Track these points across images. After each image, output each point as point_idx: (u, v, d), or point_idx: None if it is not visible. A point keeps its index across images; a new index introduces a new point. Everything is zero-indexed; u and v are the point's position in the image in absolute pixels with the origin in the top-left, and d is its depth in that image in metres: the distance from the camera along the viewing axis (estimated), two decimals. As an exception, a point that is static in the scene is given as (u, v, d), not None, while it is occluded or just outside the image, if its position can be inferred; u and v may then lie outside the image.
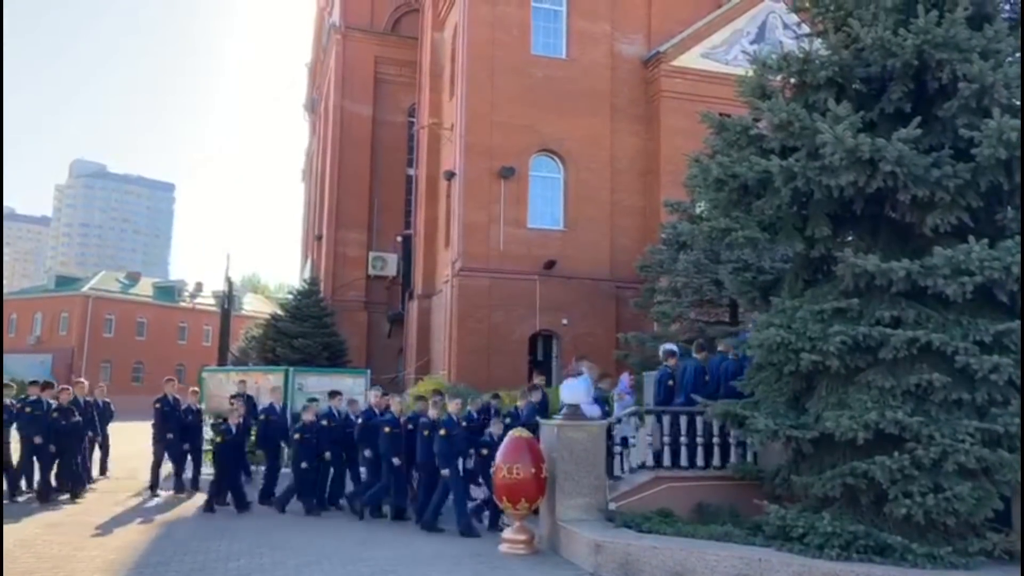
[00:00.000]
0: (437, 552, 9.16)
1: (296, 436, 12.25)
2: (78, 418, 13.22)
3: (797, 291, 9.11)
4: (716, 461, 9.96)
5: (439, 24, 25.62)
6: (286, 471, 13.25)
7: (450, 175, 22.14)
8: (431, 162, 25.10)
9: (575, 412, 9.43)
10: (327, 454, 12.32)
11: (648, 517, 8.78)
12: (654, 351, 14.18)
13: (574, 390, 9.65)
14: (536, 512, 9.38)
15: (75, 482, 12.89)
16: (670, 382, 10.83)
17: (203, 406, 15.92)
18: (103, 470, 15.51)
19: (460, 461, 10.82)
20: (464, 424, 11.05)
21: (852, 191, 8.04)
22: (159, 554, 8.86)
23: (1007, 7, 8.82)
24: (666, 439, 9.97)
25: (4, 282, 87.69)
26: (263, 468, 13.58)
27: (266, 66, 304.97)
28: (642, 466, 10.06)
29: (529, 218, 21.37)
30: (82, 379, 17.22)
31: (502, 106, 21.26)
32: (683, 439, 9.97)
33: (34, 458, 12.59)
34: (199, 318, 62.97)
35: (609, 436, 9.87)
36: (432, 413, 11.16)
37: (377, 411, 12.13)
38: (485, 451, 10.76)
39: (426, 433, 10.90)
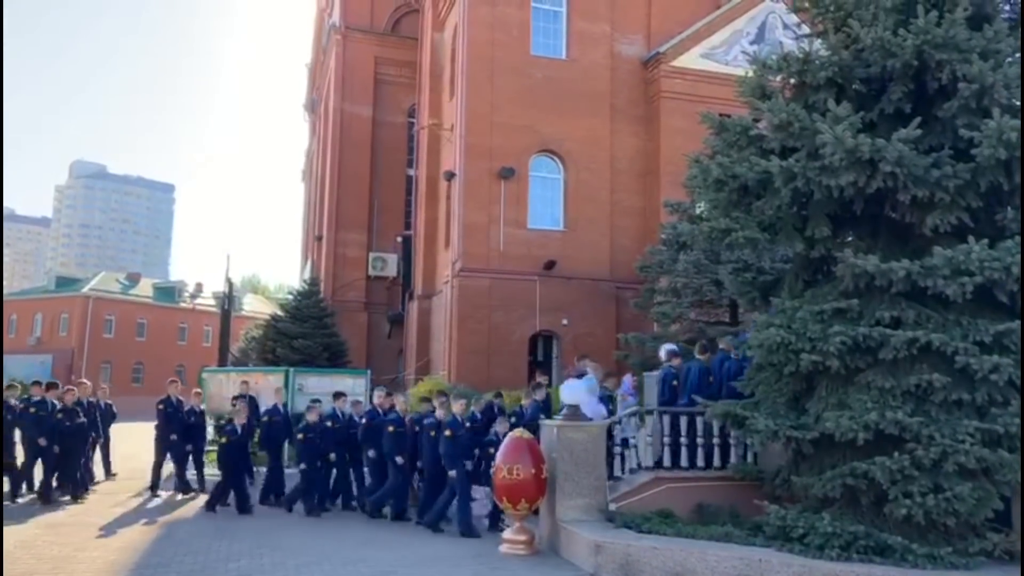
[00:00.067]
0: (437, 553, 9.16)
1: (299, 436, 12.24)
2: (83, 419, 13.21)
3: (797, 291, 9.12)
4: (716, 462, 9.97)
5: (439, 25, 25.63)
6: (290, 471, 13.24)
7: (450, 176, 22.15)
8: (431, 163, 25.10)
9: (575, 412, 9.43)
10: (332, 455, 12.33)
11: (648, 518, 8.78)
12: (654, 351, 14.17)
13: (574, 390, 9.64)
14: (536, 513, 9.38)
15: (76, 483, 12.87)
16: (674, 382, 10.83)
17: (205, 407, 15.92)
18: (107, 472, 15.50)
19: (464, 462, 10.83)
20: (468, 425, 11.04)
21: (852, 191, 8.04)
22: (160, 555, 8.87)
23: (1007, 7, 8.83)
24: (666, 439, 9.98)
25: (4, 283, 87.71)
26: (263, 469, 13.58)
27: (266, 67, 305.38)
28: (640, 467, 10.07)
29: (529, 218, 21.36)
30: (84, 380, 17.22)
31: (502, 107, 21.26)
32: (683, 439, 9.98)
33: (38, 459, 12.55)
34: (199, 319, 62.98)
35: (609, 437, 9.88)
36: (439, 414, 11.16)
37: (381, 411, 12.13)
38: (492, 450, 10.76)
39: (432, 434, 10.91)
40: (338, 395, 13.41)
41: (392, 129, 29.10)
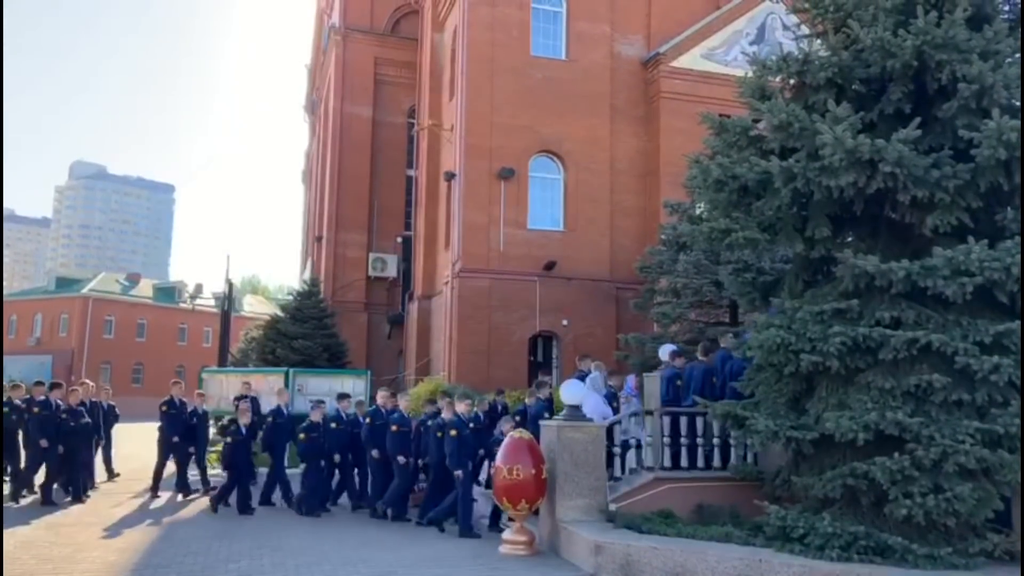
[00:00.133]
0: (437, 554, 9.17)
1: (301, 436, 12.24)
2: (88, 419, 13.21)
3: (797, 292, 9.12)
4: (716, 462, 9.98)
5: (439, 25, 25.63)
6: (292, 472, 13.22)
7: (450, 176, 22.15)
8: (431, 163, 25.10)
9: (575, 413, 9.43)
10: (336, 456, 12.32)
11: (648, 518, 8.79)
12: (654, 352, 14.17)
13: (574, 391, 9.65)
14: (536, 513, 9.39)
15: (78, 484, 12.85)
16: (678, 382, 10.83)
17: (214, 409, 15.92)
18: (109, 473, 15.48)
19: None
20: (472, 425, 11.05)
21: (852, 192, 8.04)
22: (160, 555, 8.87)
23: (1006, 8, 8.83)
24: (666, 440, 9.98)
25: (4, 283, 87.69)
26: (262, 470, 13.58)
27: (266, 67, 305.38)
28: (641, 467, 10.08)
29: (529, 219, 21.34)
30: (87, 380, 17.22)
31: (502, 107, 21.26)
32: (684, 440, 9.98)
33: (42, 461, 12.51)
34: (199, 319, 63.00)
35: (609, 437, 9.88)
36: (446, 414, 11.17)
37: (384, 411, 12.13)
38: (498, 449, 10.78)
39: (439, 434, 10.92)
40: (342, 396, 13.43)
41: (392, 130, 29.09)
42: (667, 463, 9.95)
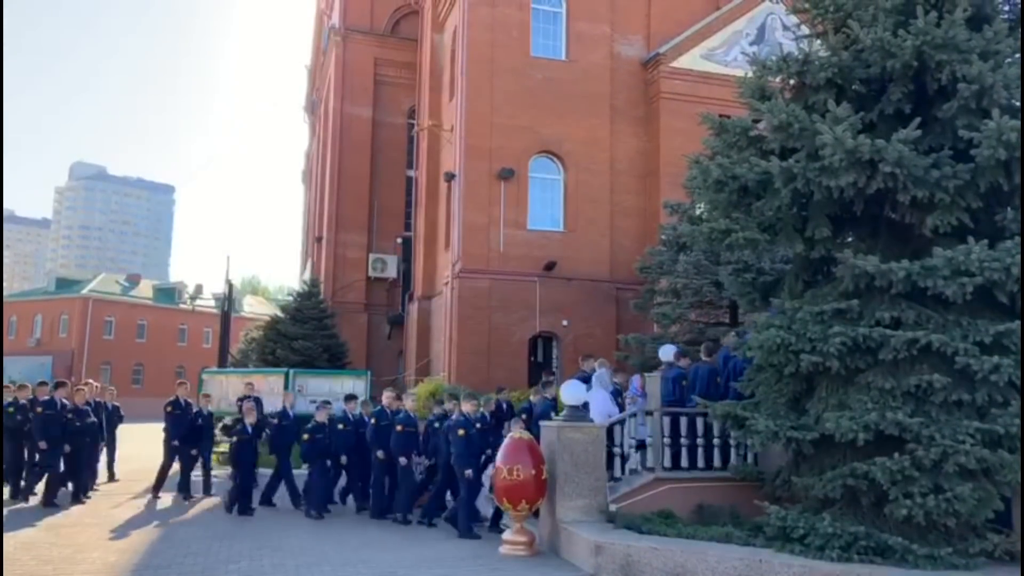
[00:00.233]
0: (438, 554, 9.17)
1: (305, 436, 12.23)
2: (94, 419, 13.19)
3: (797, 292, 9.12)
4: (717, 462, 9.98)
5: (439, 26, 25.64)
6: (299, 473, 13.20)
7: (450, 177, 22.16)
8: (431, 164, 25.11)
9: (575, 413, 9.43)
10: (343, 458, 12.31)
11: (649, 518, 8.79)
12: (654, 352, 14.17)
13: (575, 391, 9.65)
14: (536, 514, 9.39)
15: (80, 485, 12.83)
16: (683, 382, 10.84)
17: (216, 410, 15.90)
18: (110, 474, 15.47)
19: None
20: (478, 425, 11.04)
21: (852, 192, 8.04)
22: (160, 556, 8.87)
23: (1006, 8, 8.83)
24: (666, 440, 9.98)
25: (4, 284, 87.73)
26: (264, 471, 13.57)
27: (266, 67, 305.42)
28: (641, 467, 10.08)
29: (529, 219, 21.36)
30: (91, 380, 17.19)
31: (502, 108, 21.28)
32: (684, 440, 9.99)
33: (50, 460, 12.44)
34: (199, 320, 63.03)
35: (610, 437, 9.88)
36: (456, 416, 11.17)
37: (389, 412, 12.12)
38: None
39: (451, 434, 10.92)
40: (349, 398, 13.40)
41: (392, 130, 29.11)
42: (667, 463, 9.95)
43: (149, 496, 13.48)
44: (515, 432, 9.52)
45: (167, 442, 13.84)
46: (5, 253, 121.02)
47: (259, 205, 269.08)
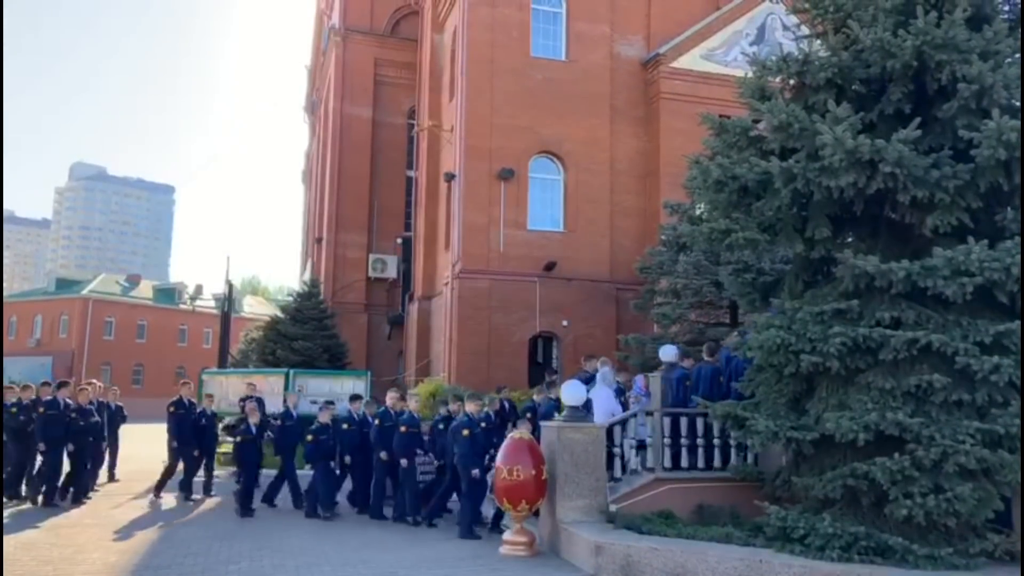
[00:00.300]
0: (438, 555, 9.17)
1: (309, 437, 12.22)
2: (97, 418, 13.17)
3: (797, 292, 9.12)
4: (717, 463, 9.98)
5: (439, 26, 25.65)
6: (302, 473, 13.19)
7: (450, 177, 22.16)
8: (431, 164, 25.12)
9: (576, 413, 9.43)
10: (347, 458, 12.30)
11: (649, 518, 8.79)
12: (654, 353, 14.18)
13: (575, 391, 9.65)
14: (537, 514, 9.38)
15: (81, 485, 12.82)
16: (687, 383, 10.84)
17: (217, 410, 15.89)
18: (111, 475, 15.45)
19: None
20: (483, 424, 11.04)
21: (852, 192, 8.04)
22: (160, 556, 8.88)
23: (1006, 8, 8.83)
24: (666, 440, 9.98)
25: (4, 285, 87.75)
26: (266, 471, 13.55)
27: (266, 68, 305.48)
28: (641, 468, 10.07)
29: (529, 220, 21.37)
30: (95, 380, 17.17)
31: (502, 108, 21.28)
32: (684, 440, 9.98)
33: (54, 461, 12.38)
34: (199, 320, 63.06)
35: (609, 438, 9.88)
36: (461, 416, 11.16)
37: (393, 413, 12.12)
38: None
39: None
40: (355, 398, 13.39)
41: (392, 130, 29.11)
42: (667, 464, 9.95)
43: (151, 496, 13.45)
44: (515, 432, 9.52)
45: (171, 443, 13.80)
46: (5, 253, 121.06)
47: (259, 205, 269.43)
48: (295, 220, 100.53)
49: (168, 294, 66.63)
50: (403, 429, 11.52)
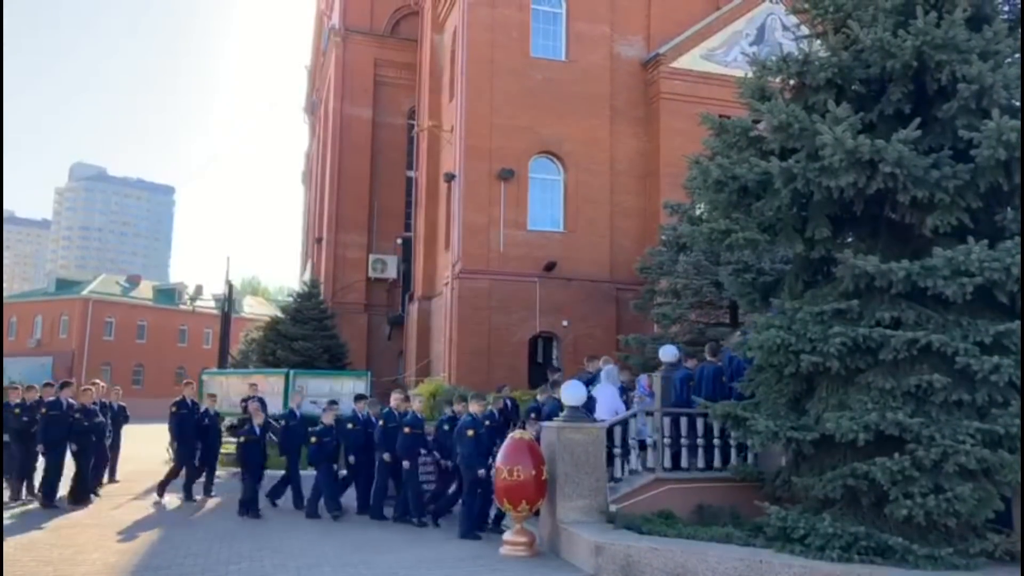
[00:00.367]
0: (438, 555, 9.16)
1: (313, 439, 12.21)
2: (101, 419, 13.15)
3: (797, 292, 9.12)
4: (717, 463, 9.98)
5: (438, 26, 25.66)
6: (305, 474, 13.17)
7: (450, 177, 22.17)
8: (431, 164, 25.13)
9: (576, 414, 9.43)
10: (351, 458, 12.29)
11: (649, 519, 8.79)
12: (654, 353, 14.18)
13: (575, 391, 9.65)
14: (537, 514, 9.38)
15: (82, 486, 12.80)
16: (691, 383, 10.84)
17: (219, 411, 15.86)
18: (112, 475, 15.44)
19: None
20: (488, 423, 11.03)
21: (852, 192, 8.04)
22: (161, 557, 8.87)
23: (1006, 8, 8.83)
24: (667, 440, 9.99)
25: (4, 285, 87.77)
26: (269, 472, 13.53)
27: (266, 68, 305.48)
28: (641, 468, 10.07)
29: (529, 220, 21.39)
30: (98, 380, 17.17)
31: (502, 108, 21.29)
32: (684, 440, 9.99)
33: (56, 462, 12.34)
34: (199, 321, 63.06)
35: (609, 438, 9.88)
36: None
37: (397, 414, 12.12)
38: None
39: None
40: (359, 398, 13.37)
41: (392, 131, 29.13)
42: (667, 464, 9.95)
43: (154, 496, 13.42)
44: (516, 432, 9.52)
45: (173, 445, 13.76)
46: (5, 254, 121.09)
47: (259, 206, 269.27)
48: (295, 220, 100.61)
49: (168, 294, 66.64)
50: (407, 430, 11.51)
